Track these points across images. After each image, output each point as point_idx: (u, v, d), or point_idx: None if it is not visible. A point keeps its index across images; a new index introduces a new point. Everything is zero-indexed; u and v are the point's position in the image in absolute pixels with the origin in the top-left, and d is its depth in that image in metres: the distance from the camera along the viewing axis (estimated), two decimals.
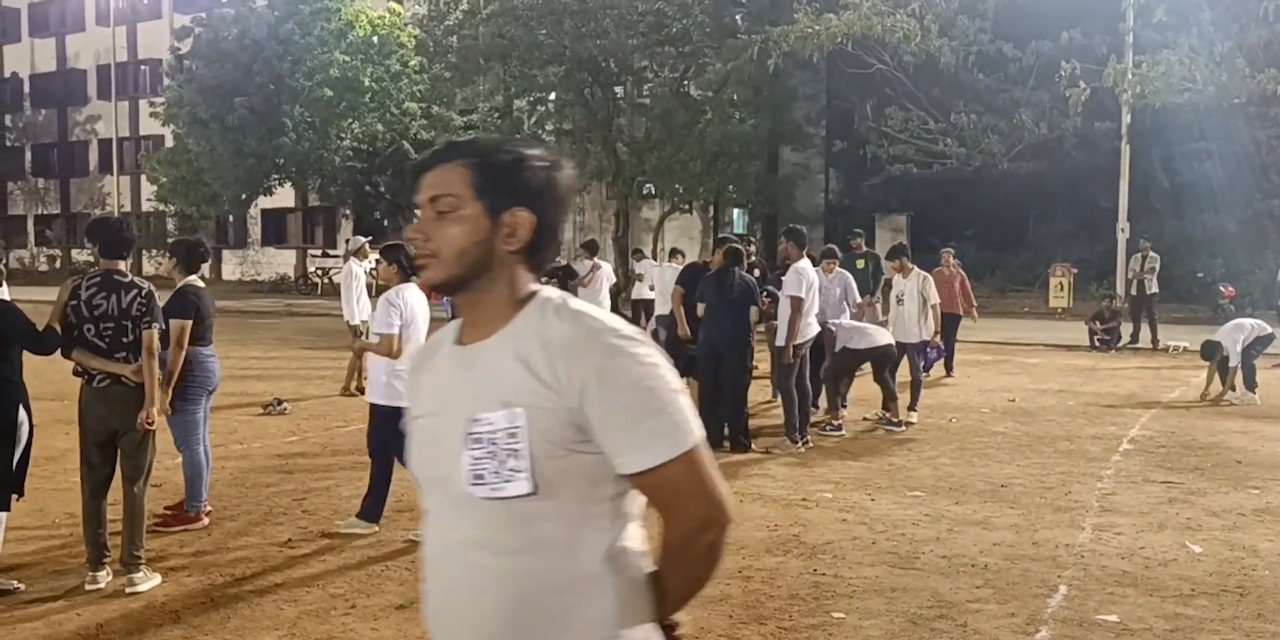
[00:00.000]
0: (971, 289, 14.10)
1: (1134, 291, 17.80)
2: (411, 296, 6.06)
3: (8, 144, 48.98)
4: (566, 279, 14.77)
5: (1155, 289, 17.52)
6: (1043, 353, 16.77)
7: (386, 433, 6.02)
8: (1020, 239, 28.12)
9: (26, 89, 48.85)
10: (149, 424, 5.13)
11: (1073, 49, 22.14)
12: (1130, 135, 22.46)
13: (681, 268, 11.02)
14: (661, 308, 12.63)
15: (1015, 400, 11.56)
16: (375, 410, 6.11)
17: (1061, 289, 23.15)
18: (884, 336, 9.68)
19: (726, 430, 8.64)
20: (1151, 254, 17.60)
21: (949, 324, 12.59)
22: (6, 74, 49.32)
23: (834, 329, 9.62)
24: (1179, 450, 8.84)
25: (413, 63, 30.71)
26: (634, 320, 15.59)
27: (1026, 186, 26.23)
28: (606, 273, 14.80)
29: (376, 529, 6.11)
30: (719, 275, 8.83)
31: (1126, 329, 17.45)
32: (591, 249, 15.02)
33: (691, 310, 9.20)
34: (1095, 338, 17.07)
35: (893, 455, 8.54)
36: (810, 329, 8.90)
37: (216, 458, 8.14)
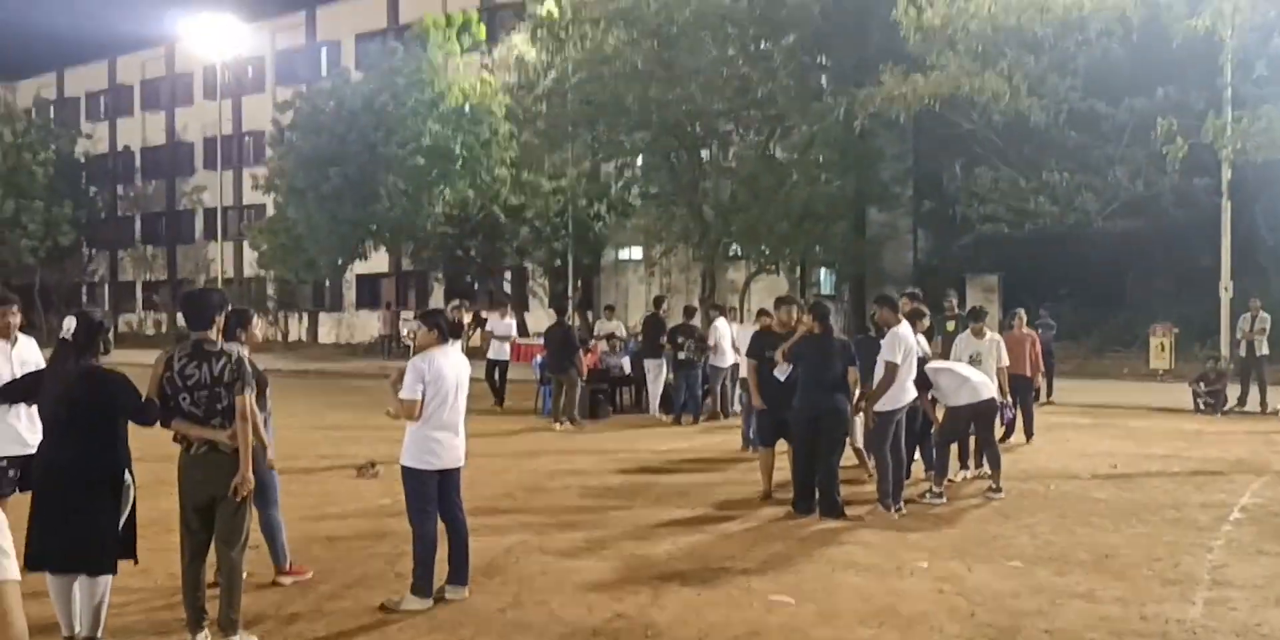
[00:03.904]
0: (1048, 353, 13.82)
1: (1243, 352, 17.20)
2: (442, 361, 6.09)
3: (119, 214, 51.16)
4: (700, 341, 15.04)
5: (1266, 350, 16.92)
6: (1145, 416, 16.25)
7: (422, 497, 6.06)
8: (1118, 298, 27.43)
9: (138, 161, 51.16)
10: (245, 489, 5.24)
11: (1168, 105, 21.75)
12: (1231, 191, 21.88)
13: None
14: (745, 370, 12.53)
15: (1117, 466, 11.18)
16: (407, 474, 6.10)
17: (1163, 349, 22.47)
18: (987, 389, 9.49)
19: (818, 496, 8.50)
20: (1263, 314, 17.02)
21: (1022, 387, 12.43)
22: (119, 147, 51.73)
23: (930, 373, 9.40)
24: None
25: (503, 130, 31.42)
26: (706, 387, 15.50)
27: (1123, 245, 25.64)
28: (723, 331, 14.98)
29: (430, 604, 5.97)
30: (814, 337, 8.75)
31: (1233, 391, 16.85)
32: (721, 311, 15.83)
33: (766, 378, 9.12)
34: (1200, 400, 16.51)
35: (990, 523, 8.31)
36: (906, 394, 8.76)
37: (311, 520, 8.27)
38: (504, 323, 17.92)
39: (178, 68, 48.13)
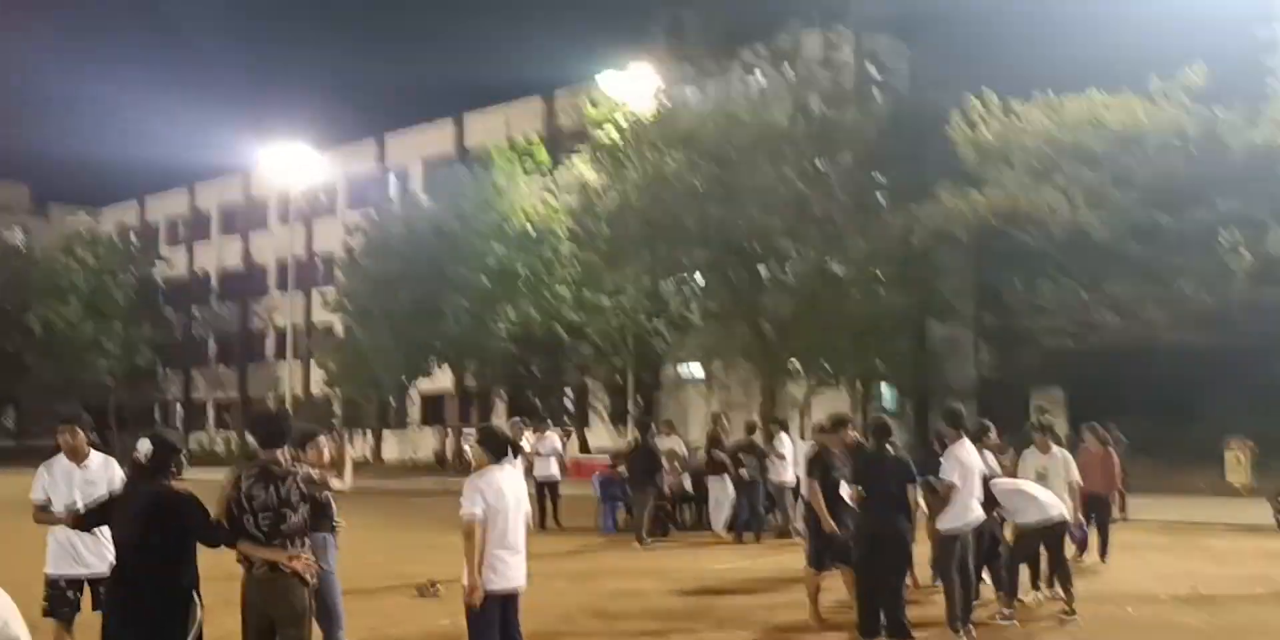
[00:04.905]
0: (1121, 468, 13.42)
1: None
2: (500, 478, 6.08)
3: (194, 334, 52.67)
4: (762, 458, 14.98)
5: None
6: (1225, 534, 15.66)
7: (484, 621, 5.97)
8: (1190, 411, 26.75)
9: (214, 284, 52.90)
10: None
11: (1231, 216, 21.65)
12: None
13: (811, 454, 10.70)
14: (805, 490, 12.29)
15: (1198, 587, 10.75)
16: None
17: (1240, 463, 21.80)
18: (1056, 507, 9.28)
19: (884, 618, 8.28)
20: None
21: (1097, 505, 12.06)
22: (197, 270, 53.59)
23: (996, 492, 9.19)
24: None
25: (565, 250, 32.11)
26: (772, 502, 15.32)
27: (1193, 356, 25.13)
28: (787, 445, 14.94)
29: None
30: (872, 456, 8.67)
31: None
32: (783, 426, 15.97)
33: (832, 499, 8.99)
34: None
35: None
36: (970, 514, 8.59)
37: None
38: (548, 440, 17.78)
39: (253, 194, 50.12)
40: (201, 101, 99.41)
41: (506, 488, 6.10)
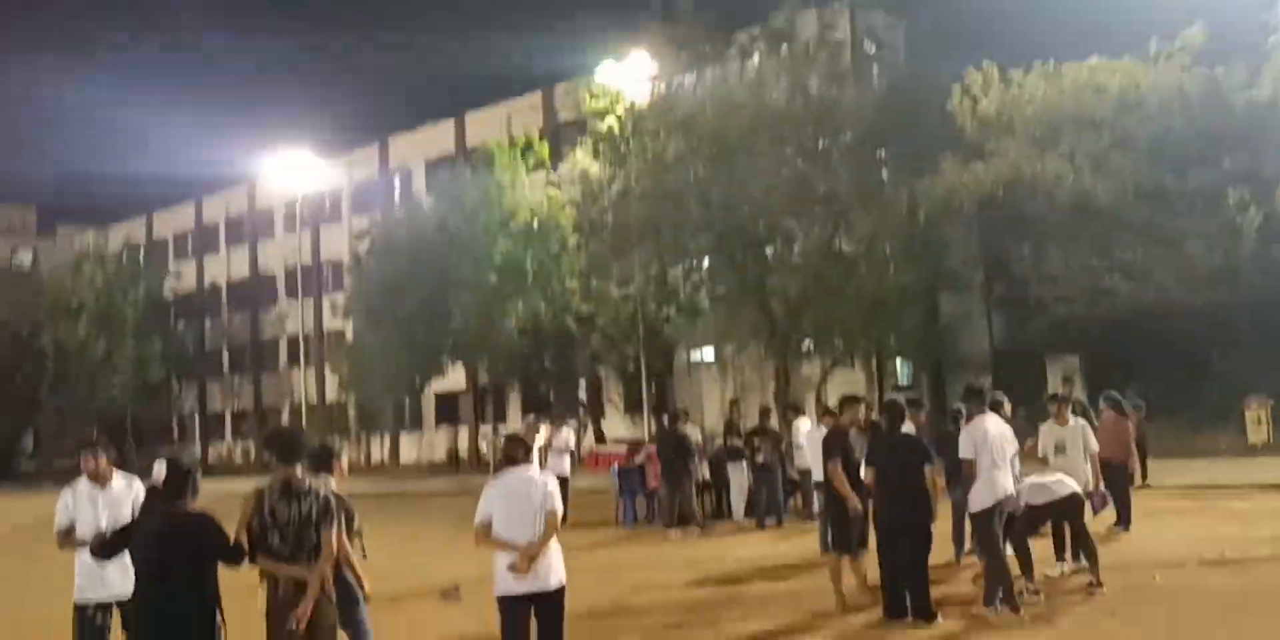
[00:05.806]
0: (1140, 433, 13.29)
1: None
2: (510, 482, 6.14)
3: (206, 347, 52.80)
4: (778, 442, 14.90)
5: None
6: (1249, 495, 15.54)
7: (509, 628, 6.05)
8: (1206, 372, 26.60)
9: (223, 296, 53.01)
10: (302, 621, 5.27)
11: (1238, 174, 21.50)
12: None
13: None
14: (818, 473, 12.06)
15: (1226, 551, 10.67)
16: (498, 603, 6.13)
17: (1259, 422, 21.68)
18: (1064, 486, 9.22)
19: (909, 600, 8.25)
20: None
21: (1111, 472, 11.94)
22: (206, 283, 53.68)
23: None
24: None
25: (571, 242, 32.07)
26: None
27: (1206, 317, 24.99)
28: (805, 430, 14.69)
29: None
30: (886, 437, 8.64)
31: None
32: (799, 410, 15.94)
33: (855, 481, 8.90)
34: None
35: (1095, 621, 7.96)
36: (997, 488, 8.49)
37: None
38: (561, 435, 17.43)
39: (259, 204, 50.14)
40: (203, 112, 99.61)
41: (512, 492, 6.10)
